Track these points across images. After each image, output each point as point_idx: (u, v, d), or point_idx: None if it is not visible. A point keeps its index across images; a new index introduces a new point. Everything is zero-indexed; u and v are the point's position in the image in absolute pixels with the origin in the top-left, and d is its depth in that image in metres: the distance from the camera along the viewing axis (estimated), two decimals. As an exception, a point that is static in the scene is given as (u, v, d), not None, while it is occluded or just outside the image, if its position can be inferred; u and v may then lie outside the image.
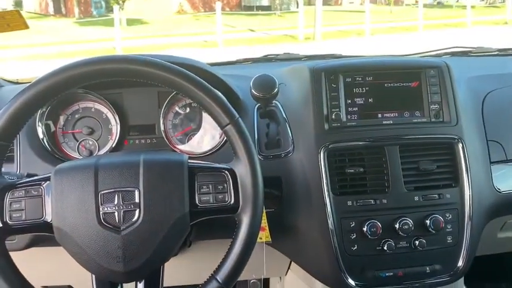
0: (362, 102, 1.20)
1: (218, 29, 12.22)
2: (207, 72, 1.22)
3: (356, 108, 1.20)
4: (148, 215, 0.85)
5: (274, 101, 1.26)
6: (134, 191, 0.85)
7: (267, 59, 1.76)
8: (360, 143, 1.16)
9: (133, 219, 0.84)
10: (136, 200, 0.85)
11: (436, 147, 1.15)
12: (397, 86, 1.21)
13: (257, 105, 1.27)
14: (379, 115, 1.20)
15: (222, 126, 0.92)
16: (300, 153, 1.18)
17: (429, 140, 1.19)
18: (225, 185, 0.89)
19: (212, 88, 0.91)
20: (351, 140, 1.16)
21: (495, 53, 1.79)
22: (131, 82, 0.90)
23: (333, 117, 1.17)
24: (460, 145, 1.19)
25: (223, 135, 1.24)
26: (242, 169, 0.91)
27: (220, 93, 0.92)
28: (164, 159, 0.91)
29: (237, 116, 0.92)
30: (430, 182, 1.17)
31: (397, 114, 1.20)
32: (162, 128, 1.27)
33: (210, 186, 0.89)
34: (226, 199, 0.88)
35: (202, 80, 0.91)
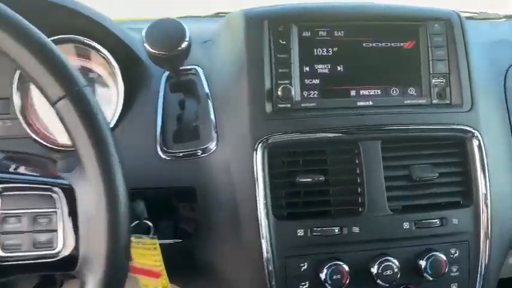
0: (327, 70, 0.76)
1: None
2: (77, 13, 0.76)
3: (317, 81, 0.76)
4: None
5: (194, 67, 0.82)
6: None
7: (219, 17, 1.29)
8: (321, 135, 0.73)
9: None
10: None
11: (439, 145, 0.79)
12: (381, 48, 0.78)
13: (166, 74, 0.82)
14: (353, 92, 0.77)
15: (52, 102, 0.48)
16: (226, 151, 0.74)
17: (429, 132, 0.77)
18: (53, 217, 0.51)
19: (37, 33, 0.48)
20: (307, 130, 0.73)
21: (502, 19, 1.37)
22: None
23: (279, 93, 0.73)
24: (476, 142, 0.77)
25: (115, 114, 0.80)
26: (86, 187, 0.48)
27: (53, 45, 0.48)
28: None
29: (83, 83, 0.49)
30: (427, 198, 0.77)
31: (381, 92, 0.77)
32: (17, 103, 0.81)
33: (24, 219, 0.50)
34: (54, 244, 0.50)
35: (18, 17, 0.47)
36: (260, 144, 0.72)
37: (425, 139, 0.78)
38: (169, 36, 0.69)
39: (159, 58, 0.70)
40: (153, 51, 0.68)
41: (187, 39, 0.69)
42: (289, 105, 0.74)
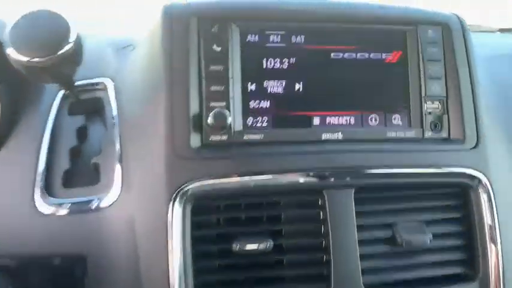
0: (280, 89, 0.55)
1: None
2: None
3: (267, 103, 0.55)
4: None
5: (102, 80, 0.60)
6: None
7: None
8: (272, 180, 0.51)
9: None
10: None
11: (434, 195, 0.59)
12: (356, 60, 0.57)
13: (63, 91, 0.59)
14: (316, 120, 0.55)
15: None
16: (132, 202, 0.52)
17: (419, 178, 0.56)
18: None
19: None
20: (252, 173, 0.51)
21: (496, 32, 1.20)
22: None
23: (211, 120, 0.51)
24: (484, 191, 0.57)
25: None
26: None
27: None
28: None
29: None
30: (417, 270, 0.55)
31: (354, 120, 0.56)
32: None
33: None
34: None
35: None
36: (180, 194, 0.49)
37: (415, 187, 0.56)
38: (44, 37, 0.47)
39: (31, 68, 0.47)
40: (20, 58, 0.46)
41: (71, 39, 0.47)
42: (225, 138, 0.52)
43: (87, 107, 0.60)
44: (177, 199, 0.49)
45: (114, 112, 0.57)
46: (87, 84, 0.59)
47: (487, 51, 0.80)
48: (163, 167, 0.50)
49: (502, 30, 1.20)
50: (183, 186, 0.49)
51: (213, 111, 0.51)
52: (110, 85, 0.60)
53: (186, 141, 0.50)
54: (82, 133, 0.59)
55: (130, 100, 0.57)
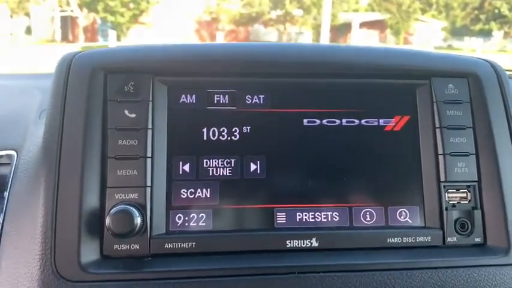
0: (227, 172, 0.38)
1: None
2: None
3: (205, 193, 0.37)
4: None
5: (7, 153, 0.46)
6: None
7: None
8: None
9: None
10: None
11: None
12: (340, 129, 0.38)
13: None
14: (280, 217, 0.38)
15: None
16: None
17: None
18: None
19: None
20: None
21: None
22: None
23: (107, 221, 0.33)
24: None
25: None
26: None
27: None
28: None
29: None
30: None
31: (338, 218, 0.38)
32: None
33: None
34: None
35: None
36: None
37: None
38: None
39: None
40: None
41: None
42: (136, 248, 0.35)
43: None
44: None
45: (6, 194, 0.42)
46: None
47: None
48: None
49: None
50: None
51: (114, 209, 0.34)
52: (15, 159, 0.45)
53: (74, 254, 0.34)
54: None
55: (23, 178, 0.41)
